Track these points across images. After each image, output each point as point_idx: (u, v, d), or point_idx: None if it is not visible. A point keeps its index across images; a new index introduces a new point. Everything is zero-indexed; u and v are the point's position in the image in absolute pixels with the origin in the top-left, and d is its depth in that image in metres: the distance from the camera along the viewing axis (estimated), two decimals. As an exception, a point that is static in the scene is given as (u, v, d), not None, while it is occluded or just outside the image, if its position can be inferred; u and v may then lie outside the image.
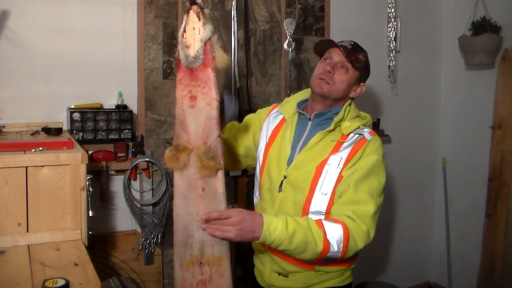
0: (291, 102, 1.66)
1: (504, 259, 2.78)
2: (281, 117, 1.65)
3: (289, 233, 1.28)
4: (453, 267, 3.14)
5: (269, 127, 1.65)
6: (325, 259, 1.37)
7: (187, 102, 1.21)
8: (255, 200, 1.69)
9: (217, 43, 1.22)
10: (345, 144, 1.49)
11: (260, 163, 1.63)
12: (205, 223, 1.24)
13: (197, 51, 1.19)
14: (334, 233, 1.33)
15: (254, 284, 1.70)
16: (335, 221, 1.36)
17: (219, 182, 1.22)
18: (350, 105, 1.57)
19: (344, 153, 1.47)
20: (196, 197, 1.23)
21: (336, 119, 1.50)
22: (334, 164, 1.45)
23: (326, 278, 1.55)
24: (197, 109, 1.21)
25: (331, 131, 1.51)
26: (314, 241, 1.31)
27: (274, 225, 1.28)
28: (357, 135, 1.51)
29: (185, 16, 1.20)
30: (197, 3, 1.18)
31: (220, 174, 1.22)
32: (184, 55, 1.20)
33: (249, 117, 1.78)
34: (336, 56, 1.52)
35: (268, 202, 1.58)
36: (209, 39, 1.19)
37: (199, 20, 1.19)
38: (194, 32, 1.19)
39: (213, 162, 1.19)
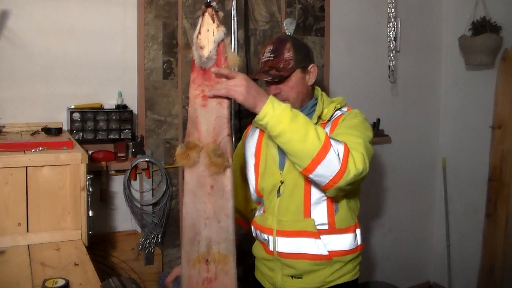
0: None
1: (504, 259, 2.78)
2: (257, 131, 1.66)
3: (292, 114, 1.24)
4: (453, 267, 3.14)
5: (250, 147, 1.66)
6: (324, 166, 1.25)
7: (199, 101, 1.25)
8: (258, 213, 1.69)
9: (230, 45, 1.26)
10: (327, 125, 1.53)
11: (254, 182, 1.63)
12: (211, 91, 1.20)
13: (210, 51, 1.22)
14: (337, 143, 1.28)
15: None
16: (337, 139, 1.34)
17: (227, 180, 1.24)
18: (322, 95, 1.60)
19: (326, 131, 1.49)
20: (204, 195, 1.25)
21: (316, 113, 1.52)
22: None
23: (341, 273, 1.55)
24: (209, 108, 1.24)
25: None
26: (317, 133, 1.25)
27: (278, 103, 1.25)
28: (335, 113, 1.55)
29: (200, 19, 1.24)
30: (212, 6, 1.22)
31: (228, 173, 1.24)
32: (198, 55, 1.23)
33: (235, 162, 1.73)
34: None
35: (268, 209, 1.60)
36: (222, 40, 1.23)
37: (214, 22, 1.23)
38: (208, 33, 1.23)
39: (221, 159, 1.22)
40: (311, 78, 1.57)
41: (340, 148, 1.27)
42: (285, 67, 1.50)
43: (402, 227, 3.17)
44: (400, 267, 3.17)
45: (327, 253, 1.50)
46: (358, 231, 1.58)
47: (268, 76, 1.49)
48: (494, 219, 2.83)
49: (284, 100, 1.51)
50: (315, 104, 1.57)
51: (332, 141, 1.27)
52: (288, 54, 1.51)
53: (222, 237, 1.25)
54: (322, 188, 1.35)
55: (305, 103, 1.57)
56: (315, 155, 1.24)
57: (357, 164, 1.28)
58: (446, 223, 3.15)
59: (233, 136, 2.37)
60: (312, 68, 1.57)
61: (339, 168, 1.25)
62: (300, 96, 1.55)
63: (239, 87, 1.19)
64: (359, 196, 1.63)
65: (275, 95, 1.51)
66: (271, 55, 1.51)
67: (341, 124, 1.48)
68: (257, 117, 1.25)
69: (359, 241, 1.58)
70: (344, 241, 1.53)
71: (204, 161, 1.24)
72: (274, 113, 1.23)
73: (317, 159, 1.24)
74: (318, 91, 1.62)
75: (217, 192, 1.25)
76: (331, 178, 1.26)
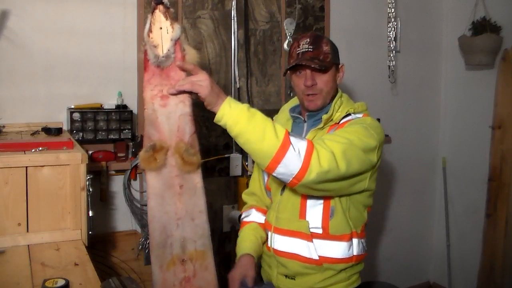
0: (284, 111, 1.68)
1: (504, 259, 2.78)
2: None
3: (249, 113, 1.23)
4: (453, 267, 3.14)
5: None
6: (284, 165, 1.23)
7: (158, 102, 1.22)
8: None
9: (185, 41, 1.25)
10: (333, 128, 1.50)
11: (265, 179, 1.65)
12: (172, 89, 1.20)
13: (168, 50, 1.20)
14: (298, 141, 1.26)
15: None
16: (301, 137, 1.32)
17: (198, 177, 1.23)
18: (341, 97, 1.56)
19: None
20: (174, 195, 1.23)
21: (325, 117, 1.49)
22: None
23: (333, 281, 1.52)
24: (170, 108, 1.22)
25: (321, 128, 1.50)
26: (275, 132, 1.23)
27: (236, 102, 1.24)
28: (346, 117, 1.51)
29: (149, 16, 1.22)
30: (163, 3, 1.20)
31: (199, 169, 1.23)
32: (153, 54, 1.21)
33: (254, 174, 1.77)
34: (308, 68, 1.50)
35: (272, 204, 1.61)
36: (179, 38, 1.21)
37: (167, 19, 1.20)
38: (161, 31, 1.21)
39: (196, 157, 1.21)
40: (340, 77, 1.57)
41: (302, 146, 1.25)
42: (324, 59, 1.48)
43: (402, 227, 3.17)
44: (400, 267, 3.17)
45: (317, 258, 1.48)
46: (355, 241, 1.52)
47: (316, 63, 1.46)
48: (494, 219, 2.83)
49: (317, 93, 1.49)
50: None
51: (292, 139, 1.25)
52: (326, 48, 1.50)
53: (198, 234, 1.23)
54: (287, 186, 1.33)
55: (329, 102, 1.54)
56: (274, 155, 1.22)
57: (322, 162, 1.25)
58: (446, 223, 3.15)
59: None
60: (342, 67, 1.57)
61: (300, 166, 1.23)
62: (331, 92, 1.53)
63: (203, 81, 1.19)
64: (367, 207, 1.59)
65: (311, 86, 1.49)
66: (310, 47, 1.49)
67: (342, 128, 1.45)
68: (215, 118, 1.23)
69: (354, 251, 1.52)
70: (336, 249, 1.49)
71: (174, 162, 1.21)
72: (231, 113, 1.21)
73: (277, 158, 1.23)
74: (338, 92, 1.59)
75: (188, 190, 1.23)
76: (293, 176, 1.25)
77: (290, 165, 1.24)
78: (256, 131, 1.22)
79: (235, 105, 1.22)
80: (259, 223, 1.67)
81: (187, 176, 1.22)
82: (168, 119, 1.22)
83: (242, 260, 1.54)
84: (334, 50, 1.54)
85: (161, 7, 1.20)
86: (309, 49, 1.49)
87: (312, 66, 1.46)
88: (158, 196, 1.23)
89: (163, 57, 1.20)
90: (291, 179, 1.26)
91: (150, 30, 1.21)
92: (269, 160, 1.24)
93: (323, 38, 1.54)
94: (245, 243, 1.60)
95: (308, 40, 1.51)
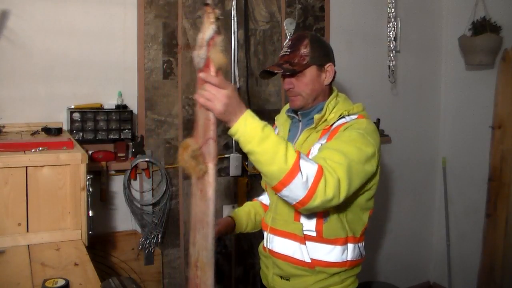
0: (283, 111, 1.69)
1: (504, 259, 2.78)
2: (277, 130, 1.67)
3: (263, 134, 1.20)
4: (453, 267, 3.15)
5: None
6: (290, 190, 1.23)
7: (197, 103, 1.24)
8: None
9: (220, 44, 1.20)
10: (327, 132, 1.48)
11: None
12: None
13: (202, 51, 1.19)
14: (308, 166, 1.24)
15: (261, 286, 1.70)
16: (312, 161, 1.29)
17: (208, 185, 1.21)
18: (337, 97, 1.54)
19: (323, 139, 1.46)
20: (197, 198, 1.24)
21: (317, 116, 1.48)
22: (315, 152, 1.43)
23: (326, 284, 1.51)
24: (202, 110, 1.23)
25: (314, 128, 1.50)
26: (285, 157, 1.21)
27: (253, 119, 1.21)
28: (340, 120, 1.49)
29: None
30: (208, 4, 1.19)
31: (210, 178, 1.20)
32: (196, 55, 1.20)
33: None
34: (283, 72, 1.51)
35: (270, 205, 1.61)
36: (212, 39, 1.18)
37: (209, 20, 1.20)
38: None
39: (195, 162, 1.19)
40: (327, 77, 1.53)
41: (311, 172, 1.23)
42: (299, 62, 1.47)
43: (402, 227, 3.17)
44: (400, 267, 3.17)
45: (309, 261, 1.47)
46: (350, 245, 1.51)
47: (279, 69, 1.47)
48: (494, 219, 2.83)
49: (296, 95, 1.51)
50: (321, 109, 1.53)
51: (302, 164, 1.23)
52: (304, 50, 1.48)
53: (203, 244, 1.22)
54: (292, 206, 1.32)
55: (318, 102, 1.53)
56: (281, 179, 1.22)
57: (328, 190, 1.24)
58: (446, 223, 3.15)
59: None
60: (329, 67, 1.52)
61: (305, 193, 1.23)
62: (314, 93, 1.51)
63: (218, 102, 1.15)
64: (367, 210, 1.58)
65: (288, 90, 1.51)
66: (288, 50, 1.50)
67: (338, 136, 1.43)
68: (229, 131, 1.23)
69: (349, 256, 1.50)
70: (329, 252, 1.48)
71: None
72: (245, 130, 1.20)
73: (283, 182, 1.22)
74: (334, 92, 1.57)
75: (203, 196, 1.22)
76: (297, 201, 1.25)
77: (295, 191, 1.23)
78: (266, 154, 1.21)
79: (250, 122, 1.20)
80: (263, 203, 1.77)
81: (203, 181, 1.21)
82: (200, 120, 1.24)
83: (223, 218, 1.72)
84: (317, 51, 1.50)
85: (208, 8, 1.18)
86: (286, 53, 1.50)
87: (275, 72, 1.50)
88: (192, 194, 1.26)
89: (200, 58, 1.19)
90: (294, 203, 1.26)
91: (202, 32, 1.21)
92: (276, 182, 1.23)
93: (305, 39, 1.50)
94: (237, 210, 1.76)
95: (290, 43, 1.52)
